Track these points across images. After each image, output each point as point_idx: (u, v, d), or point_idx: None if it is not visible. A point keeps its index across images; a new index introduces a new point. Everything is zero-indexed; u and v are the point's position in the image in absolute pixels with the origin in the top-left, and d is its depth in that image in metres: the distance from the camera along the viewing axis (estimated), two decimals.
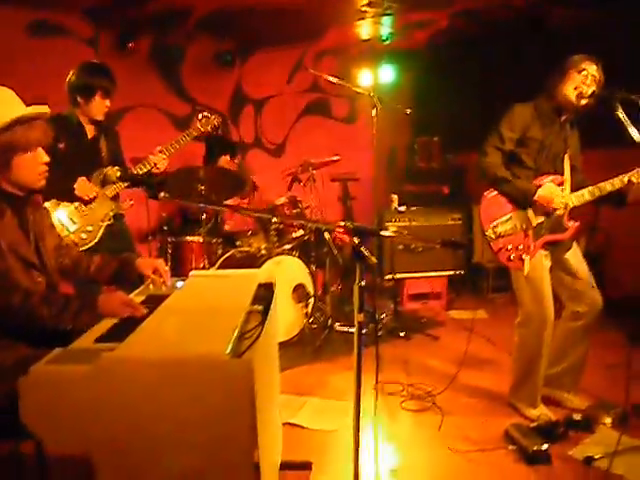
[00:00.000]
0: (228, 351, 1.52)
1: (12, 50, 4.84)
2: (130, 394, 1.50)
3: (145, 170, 3.44)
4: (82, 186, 3.33)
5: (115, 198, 3.49)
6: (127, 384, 1.49)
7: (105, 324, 1.94)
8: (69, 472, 1.57)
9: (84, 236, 3.33)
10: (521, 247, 3.09)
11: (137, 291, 2.42)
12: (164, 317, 1.89)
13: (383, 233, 2.01)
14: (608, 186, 3.01)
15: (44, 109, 2.11)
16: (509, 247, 3.10)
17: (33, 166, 2.08)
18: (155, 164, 3.45)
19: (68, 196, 3.32)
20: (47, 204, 3.24)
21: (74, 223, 3.33)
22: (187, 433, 1.53)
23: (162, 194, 2.18)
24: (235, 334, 1.66)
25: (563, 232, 3.13)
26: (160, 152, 3.48)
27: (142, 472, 1.54)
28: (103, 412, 1.50)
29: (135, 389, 1.49)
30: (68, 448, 1.50)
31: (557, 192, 3.04)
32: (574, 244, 3.25)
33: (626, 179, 2.96)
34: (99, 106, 3.38)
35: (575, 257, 3.23)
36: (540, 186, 3.05)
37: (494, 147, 3.11)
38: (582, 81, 2.98)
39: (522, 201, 3.09)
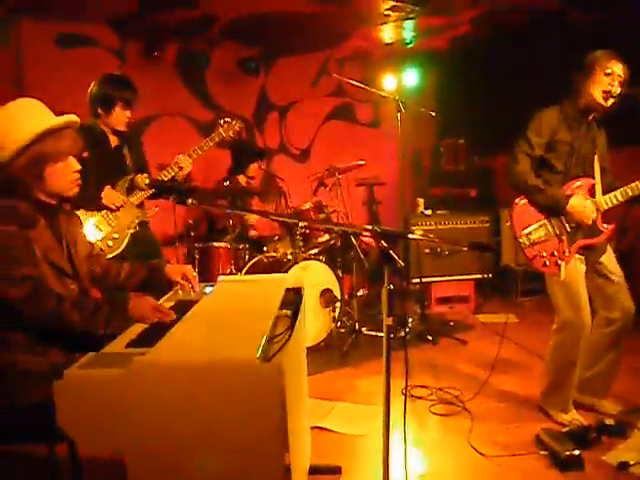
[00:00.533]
0: (258, 355, 1.53)
1: (42, 62, 4.96)
2: (161, 398, 1.52)
3: (171, 174, 3.48)
4: (109, 195, 3.38)
5: (140, 206, 3.54)
6: (158, 388, 1.51)
7: (135, 329, 1.96)
8: (102, 474, 1.60)
9: (110, 244, 3.38)
10: (556, 253, 3.05)
11: (166, 297, 2.45)
12: (194, 322, 1.91)
13: (410, 236, 2.00)
14: None
15: (73, 118, 2.15)
16: (544, 254, 3.06)
17: (65, 175, 2.12)
18: (180, 166, 3.49)
19: (95, 205, 3.37)
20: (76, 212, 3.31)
21: (100, 231, 3.38)
22: (218, 437, 1.55)
23: (190, 200, 2.20)
24: (264, 338, 1.67)
25: (598, 235, 3.09)
26: (184, 158, 3.52)
27: (173, 475, 1.56)
28: (135, 415, 1.52)
29: (166, 393, 1.51)
30: (101, 450, 1.53)
31: (588, 205, 3.01)
32: (608, 247, 3.20)
33: None
34: (120, 117, 3.43)
35: (610, 261, 3.17)
36: (571, 195, 3.01)
37: (524, 154, 3.07)
38: (609, 83, 2.94)
39: (554, 210, 3.06)
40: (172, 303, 2.33)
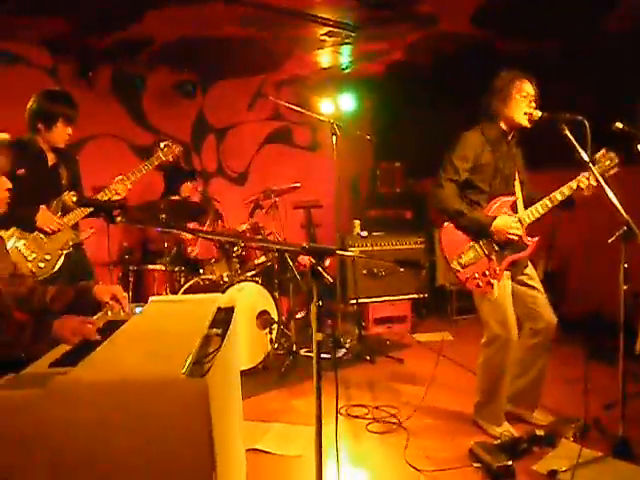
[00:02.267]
0: (183, 371, 1.51)
1: None
2: (84, 417, 1.46)
3: (106, 198, 3.40)
4: (44, 217, 3.27)
5: (75, 227, 3.45)
6: (81, 407, 1.46)
7: (61, 349, 1.90)
8: None
9: (42, 265, 3.26)
10: (487, 272, 3.14)
11: (95, 318, 2.38)
12: (120, 342, 1.87)
13: (338, 252, 2.01)
14: (559, 195, 3.11)
15: (4, 136, 2.10)
16: (476, 275, 3.14)
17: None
18: (116, 191, 3.42)
19: (28, 224, 3.26)
20: (5, 232, 3.19)
21: (32, 252, 3.26)
22: (143, 455, 1.50)
23: (119, 218, 2.16)
24: (191, 356, 1.64)
25: (524, 249, 3.20)
26: (121, 181, 3.46)
27: None
28: (57, 435, 1.46)
29: (89, 412, 1.46)
30: (20, 476, 1.46)
31: (511, 222, 3.11)
32: (529, 262, 3.33)
33: (575, 185, 3.08)
34: (61, 133, 3.34)
35: (532, 274, 3.31)
36: (495, 217, 3.12)
37: (448, 180, 3.17)
38: (527, 105, 3.08)
39: (480, 233, 3.15)
40: (101, 324, 2.27)
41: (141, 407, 1.49)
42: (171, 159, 3.69)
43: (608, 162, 3.02)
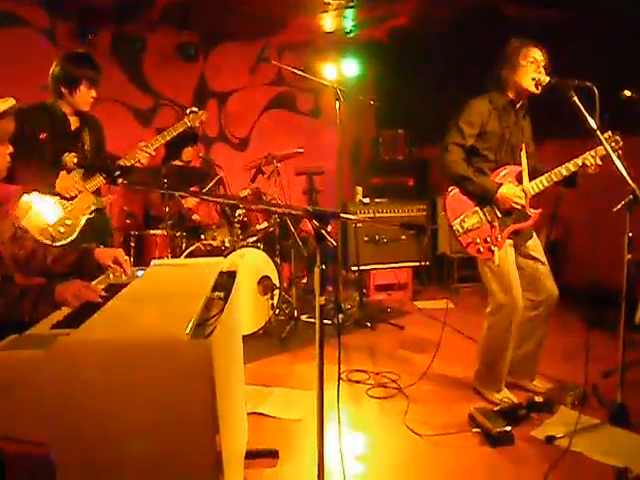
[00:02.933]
0: (187, 332, 1.50)
1: None
2: (87, 377, 1.47)
3: (130, 163, 3.37)
4: (63, 183, 3.24)
5: (97, 192, 3.42)
6: (83, 367, 1.46)
7: (63, 312, 1.90)
8: (29, 473, 1.54)
9: (62, 229, 3.24)
10: (489, 239, 3.14)
11: (96, 281, 2.38)
12: (122, 304, 1.86)
13: (342, 215, 2.00)
14: (564, 170, 3.09)
15: (11, 102, 2.07)
16: (477, 240, 3.14)
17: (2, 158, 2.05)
18: (139, 160, 3.40)
19: (49, 189, 3.23)
20: (27, 195, 3.18)
21: (54, 216, 3.23)
22: (146, 417, 1.51)
23: (120, 180, 2.14)
24: (194, 317, 1.64)
25: (527, 220, 3.19)
26: (145, 147, 3.43)
27: (100, 457, 1.51)
28: (60, 397, 1.46)
29: (92, 372, 1.46)
30: (26, 435, 1.47)
31: (516, 192, 3.09)
32: (534, 233, 3.31)
33: (580, 162, 3.05)
34: (85, 96, 3.30)
35: (536, 245, 3.30)
36: (501, 185, 3.10)
37: (455, 144, 3.14)
38: (535, 70, 3.03)
39: (485, 198, 3.14)
40: (102, 287, 2.27)
41: (144, 368, 1.49)
42: (197, 125, 3.68)
43: (613, 144, 2.98)
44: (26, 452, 1.51)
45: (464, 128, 3.13)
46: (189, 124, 3.62)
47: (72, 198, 3.28)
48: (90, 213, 3.36)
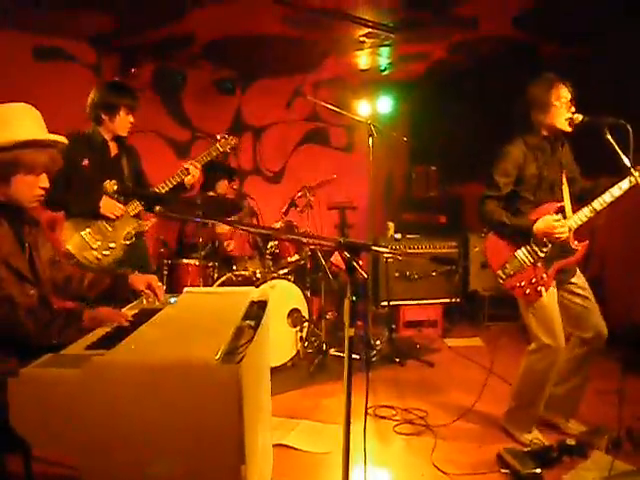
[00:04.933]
0: (217, 357, 1.53)
1: (18, 73, 4.93)
2: (118, 398, 1.50)
3: (177, 181, 3.52)
4: (108, 204, 3.36)
5: (137, 216, 3.53)
6: (115, 388, 1.49)
7: (97, 333, 1.94)
8: None
9: (107, 252, 3.35)
10: (534, 280, 3.07)
11: (130, 305, 2.43)
12: (155, 328, 1.90)
13: (374, 248, 2.01)
14: (607, 197, 2.99)
15: (61, 139, 2.16)
16: (522, 283, 3.08)
17: (32, 188, 2.12)
18: (188, 170, 3.55)
19: (92, 213, 3.35)
20: (72, 221, 3.33)
21: (97, 240, 3.35)
22: (173, 440, 1.53)
23: (158, 208, 2.20)
24: (225, 344, 1.66)
25: (572, 254, 3.12)
26: (190, 164, 3.59)
27: (126, 476, 1.53)
28: (91, 415, 1.50)
29: (123, 393, 1.49)
30: (56, 451, 1.50)
31: (554, 223, 3.01)
32: (577, 269, 3.24)
33: (625, 186, 2.96)
34: (123, 122, 3.45)
35: (581, 281, 3.22)
36: (536, 220, 3.03)
37: (489, 197, 3.13)
38: (567, 109, 3.02)
39: (523, 238, 3.09)
40: (136, 311, 2.31)
41: (174, 391, 1.51)
42: (228, 150, 3.83)
43: None
44: (56, 473, 1.54)
45: (498, 179, 3.11)
46: (221, 149, 3.76)
47: (117, 218, 3.39)
48: (131, 237, 3.46)
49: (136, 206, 3.47)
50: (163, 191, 3.46)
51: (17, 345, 1.97)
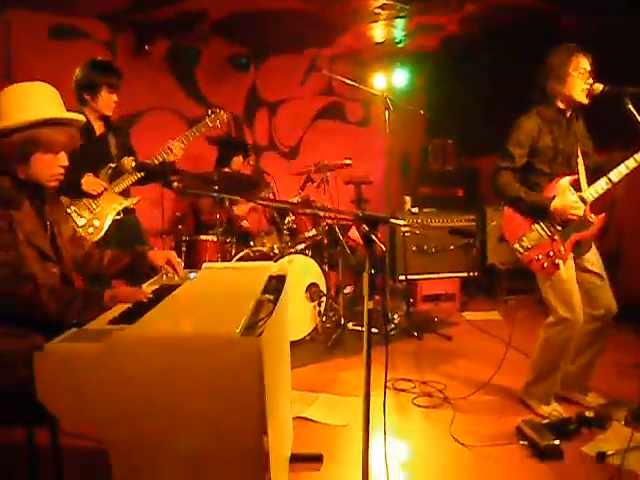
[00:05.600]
0: (238, 330, 1.54)
1: (33, 51, 4.94)
2: (141, 372, 1.52)
3: (161, 159, 3.51)
4: (88, 181, 3.40)
5: (125, 193, 3.55)
6: (139, 361, 1.52)
7: (118, 308, 1.97)
8: (83, 461, 1.60)
9: (90, 230, 3.39)
10: (552, 253, 3.05)
11: (150, 281, 2.46)
12: (175, 302, 1.93)
13: (392, 220, 2.01)
14: (624, 169, 2.96)
15: (80, 117, 2.17)
16: (540, 256, 3.07)
17: (50, 167, 2.13)
18: (171, 150, 3.53)
19: (76, 192, 3.38)
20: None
21: (81, 217, 3.39)
22: (196, 412, 1.56)
23: (176, 184, 2.21)
24: (245, 317, 1.68)
25: (588, 228, 3.09)
26: (175, 142, 3.57)
27: (150, 448, 1.56)
28: (115, 389, 1.53)
29: (145, 367, 1.52)
30: (82, 424, 1.53)
31: (571, 202, 3.00)
32: (593, 245, 3.22)
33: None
34: (106, 101, 3.46)
35: (595, 258, 3.20)
36: (554, 197, 3.01)
37: (505, 169, 3.10)
38: (585, 80, 2.96)
39: (540, 214, 3.08)
40: (156, 287, 2.34)
41: (196, 364, 1.53)
42: (219, 125, 3.80)
43: None
44: (83, 446, 1.57)
45: (512, 150, 3.08)
46: (210, 124, 3.75)
47: (99, 195, 3.41)
48: (117, 214, 3.48)
49: (124, 184, 3.49)
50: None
51: (41, 323, 2.01)
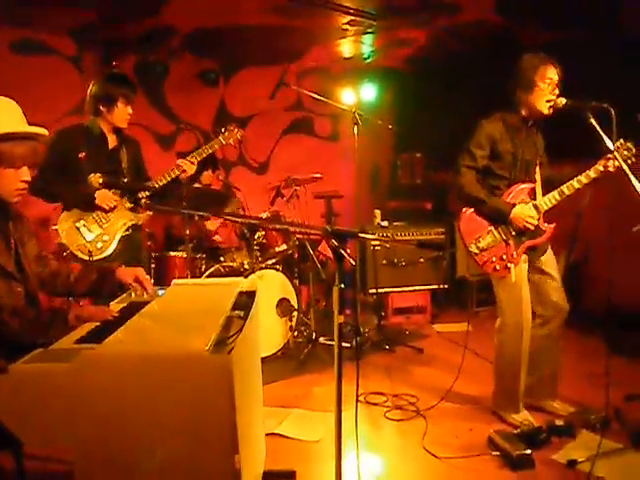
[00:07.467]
0: (208, 347, 1.53)
1: None
2: (109, 391, 1.50)
3: (171, 177, 3.50)
4: (102, 195, 3.36)
5: (134, 210, 3.51)
6: (106, 381, 1.49)
7: (85, 328, 1.94)
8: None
9: (100, 245, 3.36)
10: (504, 257, 3.16)
11: (118, 299, 2.42)
12: (144, 320, 1.90)
13: (361, 234, 2.02)
14: (575, 184, 3.08)
15: (42, 131, 2.13)
16: (493, 259, 3.17)
17: (11, 182, 2.07)
18: (182, 169, 3.53)
19: (88, 205, 3.35)
20: (67, 213, 3.34)
21: (91, 232, 3.36)
22: (166, 431, 1.53)
23: (143, 200, 2.19)
24: (215, 334, 1.67)
25: (541, 235, 3.21)
26: (183, 162, 3.57)
27: (120, 471, 1.53)
28: (83, 409, 1.50)
29: (114, 386, 1.49)
30: (48, 447, 1.49)
31: (529, 211, 3.12)
32: (549, 248, 3.32)
33: (592, 174, 3.04)
34: (121, 113, 3.44)
35: (549, 259, 3.31)
36: (514, 205, 3.12)
37: (467, 167, 3.18)
38: (550, 91, 3.04)
39: (499, 219, 3.16)
40: (124, 305, 2.31)
41: (165, 382, 1.51)
42: (232, 142, 3.79)
43: (626, 152, 2.98)
44: (48, 470, 1.53)
45: (475, 151, 3.17)
46: (224, 142, 3.75)
47: (111, 210, 3.38)
48: (126, 230, 3.46)
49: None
50: (157, 185, 3.44)
51: (3, 344, 1.96)
